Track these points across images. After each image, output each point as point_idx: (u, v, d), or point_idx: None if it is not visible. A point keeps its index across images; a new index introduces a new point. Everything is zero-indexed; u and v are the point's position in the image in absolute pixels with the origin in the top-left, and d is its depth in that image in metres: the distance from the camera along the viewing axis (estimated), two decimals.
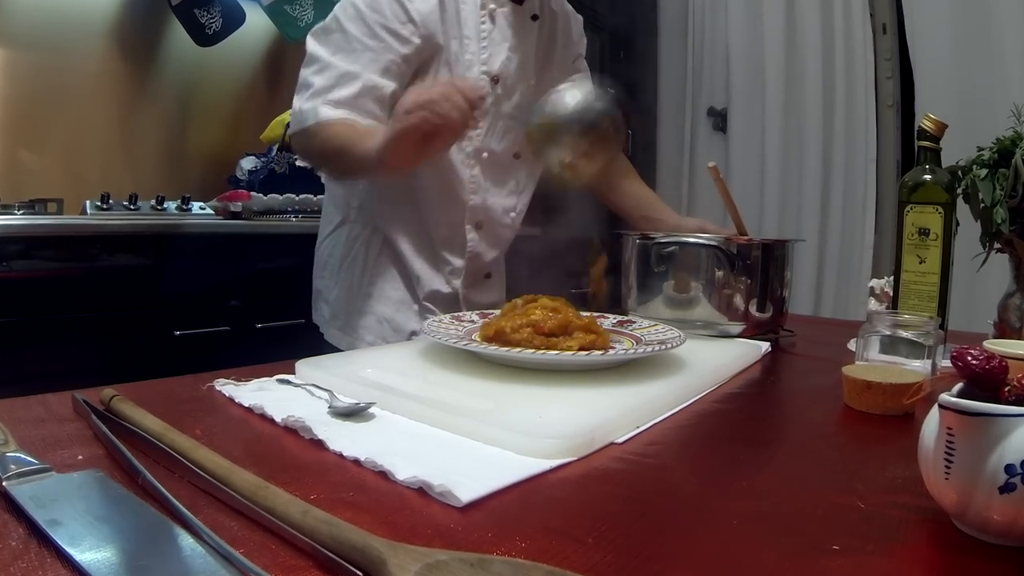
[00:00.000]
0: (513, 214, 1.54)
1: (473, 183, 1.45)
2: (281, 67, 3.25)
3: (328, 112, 1.26)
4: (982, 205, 1.15)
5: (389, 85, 1.30)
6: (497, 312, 1.06)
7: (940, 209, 1.12)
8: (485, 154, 1.45)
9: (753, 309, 1.24)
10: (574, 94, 1.17)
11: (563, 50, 1.58)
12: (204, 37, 2.92)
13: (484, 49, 1.40)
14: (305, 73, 1.32)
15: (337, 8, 1.34)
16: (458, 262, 1.48)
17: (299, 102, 1.30)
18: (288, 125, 2.96)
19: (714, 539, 0.52)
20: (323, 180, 1.59)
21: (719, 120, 3.90)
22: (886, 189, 3.32)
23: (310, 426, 0.69)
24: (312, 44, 1.34)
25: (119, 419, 0.68)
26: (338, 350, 1.44)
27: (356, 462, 0.63)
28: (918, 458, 0.54)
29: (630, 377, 0.91)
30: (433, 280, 1.47)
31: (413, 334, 1.44)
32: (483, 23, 1.40)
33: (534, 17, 1.47)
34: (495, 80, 1.42)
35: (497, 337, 0.94)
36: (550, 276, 1.41)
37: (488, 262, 1.54)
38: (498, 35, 1.42)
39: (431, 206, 1.44)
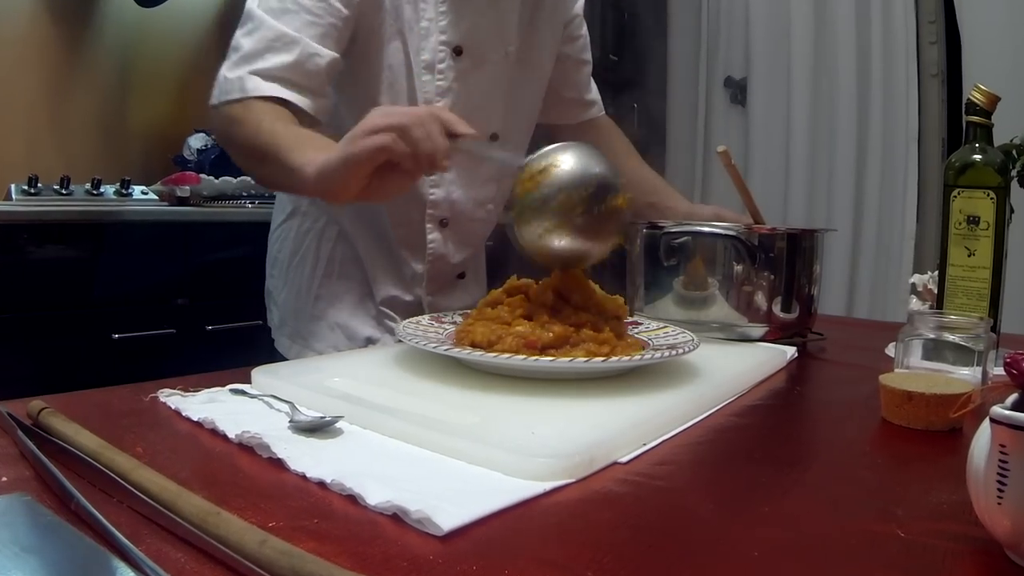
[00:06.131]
0: (490, 206, 1.49)
1: (434, 175, 1.37)
2: (235, 31, 3.24)
3: (257, 85, 1.21)
4: None
5: (328, 55, 1.25)
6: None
7: (992, 194, 1.13)
8: None
9: (777, 309, 1.25)
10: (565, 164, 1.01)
11: (552, 11, 1.52)
12: None
13: (443, 15, 1.34)
14: (237, 34, 1.28)
15: None
16: (419, 267, 1.45)
17: (225, 68, 1.25)
18: None
19: (733, 572, 0.52)
20: None
21: (738, 91, 3.90)
22: (930, 171, 3.32)
23: (268, 443, 0.69)
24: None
25: (49, 435, 0.68)
26: (288, 360, 1.42)
27: (321, 484, 0.63)
28: (966, 480, 0.54)
29: (636, 387, 0.91)
30: (391, 286, 1.45)
31: (369, 341, 1.43)
32: None
33: None
34: (457, 51, 1.35)
35: (474, 347, 0.94)
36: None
37: (457, 264, 1.50)
38: None
39: (385, 203, 1.41)
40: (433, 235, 1.43)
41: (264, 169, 1.18)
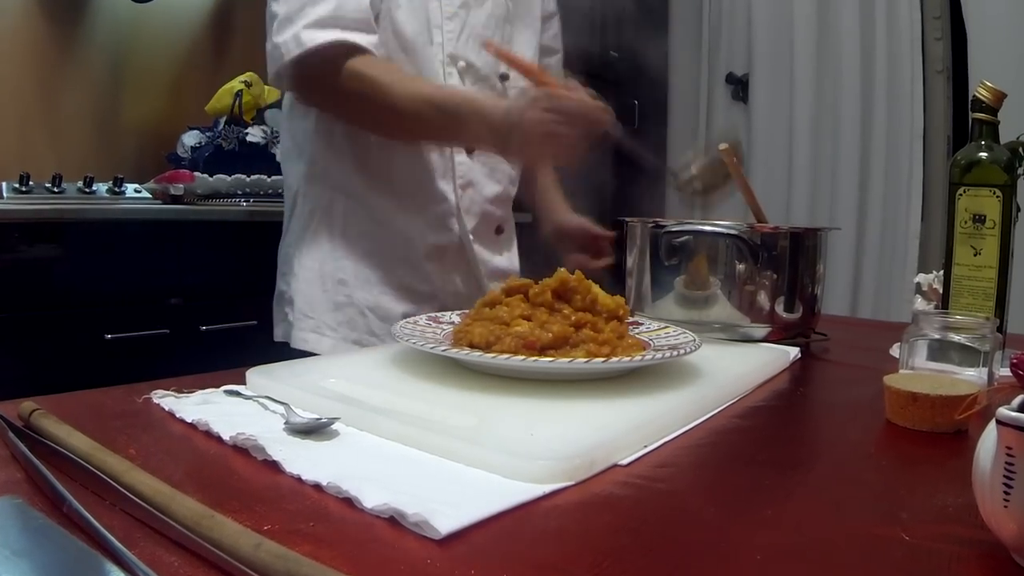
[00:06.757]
0: None
1: None
2: (231, 26, 3.24)
3: (312, 36, 1.26)
4: None
5: None
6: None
7: (998, 192, 1.13)
8: (462, 63, 1.45)
9: (780, 309, 1.25)
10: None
11: None
12: None
13: None
14: (270, 5, 1.33)
15: None
16: (452, 196, 1.47)
17: (272, 36, 1.30)
18: (239, 93, 2.98)
19: None
20: (278, 158, 1.57)
21: (739, 88, 3.91)
22: (935, 169, 3.33)
23: (263, 445, 0.69)
24: None
25: (41, 437, 0.68)
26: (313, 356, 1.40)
27: (317, 487, 0.62)
28: (972, 483, 0.54)
29: (636, 388, 0.91)
30: (429, 231, 1.45)
31: (405, 316, 1.40)
32: None
33: None
34: None
35: (472, 348, 0.94)
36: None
37: (491, 201, 1.53)
38: None
39: None
40: (461, 157, 1.48)
41: (376, 110, 1.31)
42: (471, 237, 1.50)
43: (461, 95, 1.34)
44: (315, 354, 1.39)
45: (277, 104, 2.99)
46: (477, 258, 1.51)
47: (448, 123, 1.29)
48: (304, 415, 0.78)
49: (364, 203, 1.44)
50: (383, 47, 1.37)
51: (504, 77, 1.53)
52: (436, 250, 1.46)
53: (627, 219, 1.37)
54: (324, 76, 1.30)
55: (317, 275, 1.45)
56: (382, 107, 1.29)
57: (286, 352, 1.47)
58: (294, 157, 1.50)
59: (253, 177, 2.77)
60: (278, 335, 1.53)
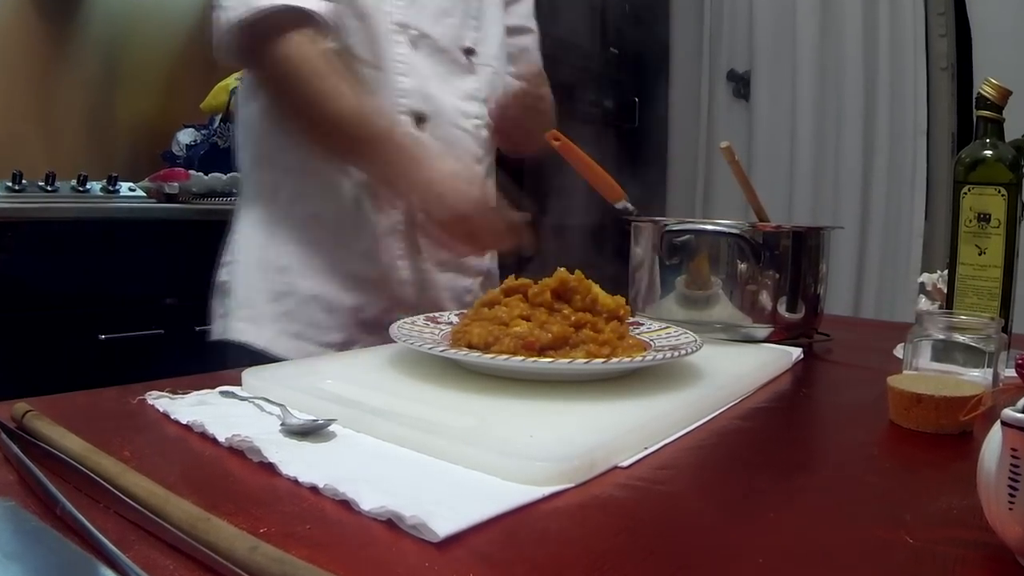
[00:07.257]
0: (476, 121, 1.45)
1: (402, 62, 1.34)
2: None
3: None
4: None
5: None
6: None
7: (1003, 191, 1.13)
8: (413, 32, 1.35)
9: (782, 309, 1.25)
10: None
11: None
12: None
13: None
14: None
15: None
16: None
17: (218, 3, 1.23)
18: (234, 91, 2.96)
19: None
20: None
21: (741, 85, 3.90)
22: (939, 167, 3.32)
23: (259, 447, 0.69)
24: None
25: (34, 438, 0.68)
26: (254, 351, 1.33)
27: (313, 489, 0.62)
28: (977, 485, 0.54)
29: (637, 389, 0.91)
30: (377, 211, 1.36)
31: (358, 311, 1.36)
32: None
33: None
34: None
35: (471, 348, 0.94)
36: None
37: None
38: None
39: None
40: (410, 130, 1.36)
41: (313, 117, 1.25)
42: (423, 221, 1.37)
43: (390, 127, 1.27)
44: (252, 347, 1.34)
45: None
46: (424, 241, 1.40)
47: (356, 143, 1.24)
48: (301, 416, 0.78)
49: (310, 183, 1.37)
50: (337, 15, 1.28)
51: (469, 52, 1.44)
52: (385, 232, 1.37)
53: (629, 218, 1.37)
54: (266, 44, 1.22)
55: (257, 261, 1.38)
56: (308, 107, 1.24)
57: (232, 350, 1.36)
58: (242, 142, 1.44)
59: None
60: (215, 332, 1.42)
